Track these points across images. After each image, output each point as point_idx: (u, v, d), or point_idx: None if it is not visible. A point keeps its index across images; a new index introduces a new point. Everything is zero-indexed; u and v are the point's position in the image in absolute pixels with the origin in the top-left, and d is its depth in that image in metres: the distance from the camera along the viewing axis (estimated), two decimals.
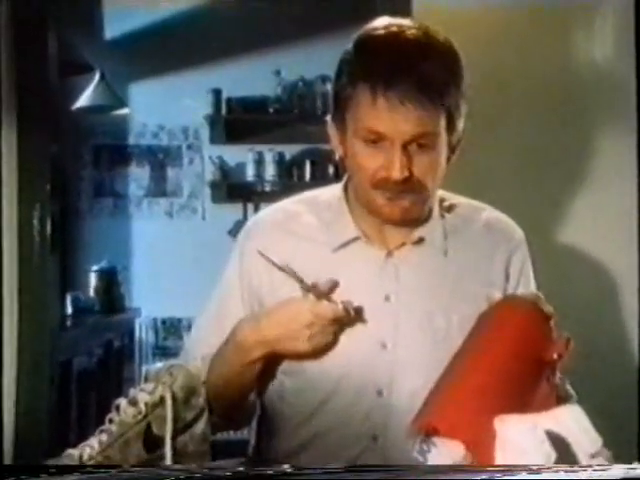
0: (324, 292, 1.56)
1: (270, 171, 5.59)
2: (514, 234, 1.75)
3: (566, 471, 1.15)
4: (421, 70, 1.51)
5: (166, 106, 5.68)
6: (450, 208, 1.72)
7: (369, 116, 1.53)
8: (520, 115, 2.70)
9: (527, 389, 1.37)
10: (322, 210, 1.72)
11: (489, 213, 1.76)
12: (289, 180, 5.51)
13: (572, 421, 1.22)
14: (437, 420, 1.31)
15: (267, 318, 1.60)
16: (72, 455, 1.26)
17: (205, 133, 5.75)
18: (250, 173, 5.64)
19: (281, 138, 5.54)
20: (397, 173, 1.54)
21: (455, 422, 1.30)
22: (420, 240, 1.67)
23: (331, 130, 1.66)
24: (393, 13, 2.59)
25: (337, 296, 1.63)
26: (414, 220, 1.66)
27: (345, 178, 1.73)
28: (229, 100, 5.53)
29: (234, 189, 5.70)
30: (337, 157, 1.68)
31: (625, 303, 2.58)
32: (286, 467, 1.27)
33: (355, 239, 1.67)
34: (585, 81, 2.69)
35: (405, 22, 1.59)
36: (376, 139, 1.55)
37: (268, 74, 5.47)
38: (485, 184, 2.43)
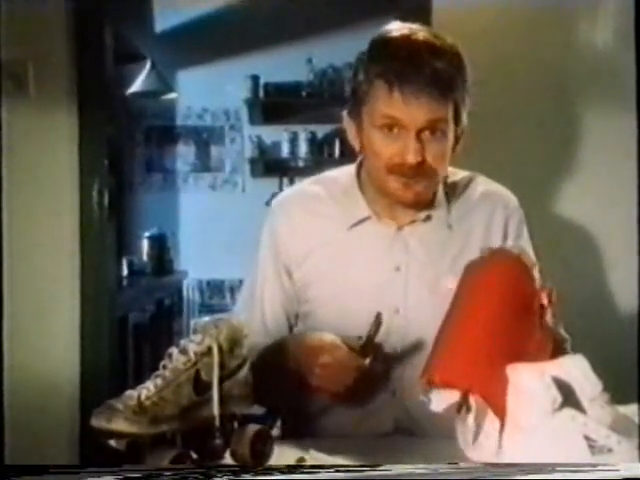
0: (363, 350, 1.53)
1: (303, 148, 5.57)
2: (509, 201, 1.75)
3: (568, 471, 1.15)
4: (431, 66, 1.51)
5: (210, 91, 5.67)
6: (452, 185, 1.72)
7: (386, 104, 1.53)
8: (525, 96, 2.68)
9: (520, 336, 1.36)
10: (338, 191, 1.73)
11: (485, 184, 1.76)
12: (320, 157, 5.49)
13: (576, 368, 1.22)
14: (434, 373, 1.32)
15: (302, 340, 1.61)
16: (131, 395, 1.27)
17: (245, 115, 5.73)
18: (285, 150, 5.63)
19: (313, 119, 5.51)
20: (411, 158, 1.54)
21: (449, 373, 1.31)
22: (428, 217, 1.68)
23: (348, 124, 1.66)
24: (415, 7, 2.59)
25: (353, 269, 1.65)
26: (424, 203, 1.67)
27: (357, 162, 1.74)
28: (266, 85, 5.50)
29: (271, 165, 5.69)
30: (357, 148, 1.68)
31: (623, 260, 2.56)
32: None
33: (367, 218, 1.68)
34: (586, 64, 2.67)
35: (414, 26, 1.59)
36: (392, 125, 1.55)
37: (301, 62, 5.45)
38: (492, 162, 2.43)
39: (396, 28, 1.59)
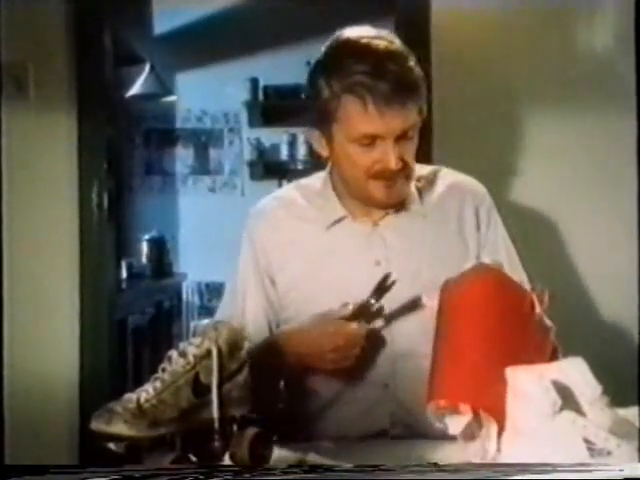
0: (355, 314, 1.56)
1: (302, 151, 5.57)
2: (477, 190, 1.79)
3: (568, 471, 1.15)
4: (397, 74, 1.54)
5: (209, 93, 5.68)
6: (420, 178, 1.75)
7: (362, 123, 1.57)
8: (525, 98, 2.68)
9: (517, 342, 1.36)
10: (313, 195, 1.77)
11: (451, 175, 1.80)
12: (319, 159, 5.48)
13: (575, 371, 1.22)
14: (440, 399, 1.32)
15: (300, 335, 1.62)
16: (130, 398, 1.27)
17: (244, 117, 5.74)
18: (284, 153, 5.64)
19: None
20: (393, 164, 1.58)
21: (453, 396, 1.32)
22: (400, 209, 1.71)
23: (312, 135, 1.70)
24: (413, 10, 2.59)
25: (334, 268, 1.68)
26: (403, 199, 1.70)
27: (328, 169, 1.77)
28: (265, 87, 5.51)
29: (270, 167, 5.70)
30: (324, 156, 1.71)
31: (624, 262, 2.55)
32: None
33: (343, 218, 1.71)
34: (586, 66, 2.67)
35: (367, 32, 1.62)
36: (371, 142, 1.58)
37: (300, 64, 5.36)
38: (491, 162, 2.44)
39: (349, 36, 1.62)
